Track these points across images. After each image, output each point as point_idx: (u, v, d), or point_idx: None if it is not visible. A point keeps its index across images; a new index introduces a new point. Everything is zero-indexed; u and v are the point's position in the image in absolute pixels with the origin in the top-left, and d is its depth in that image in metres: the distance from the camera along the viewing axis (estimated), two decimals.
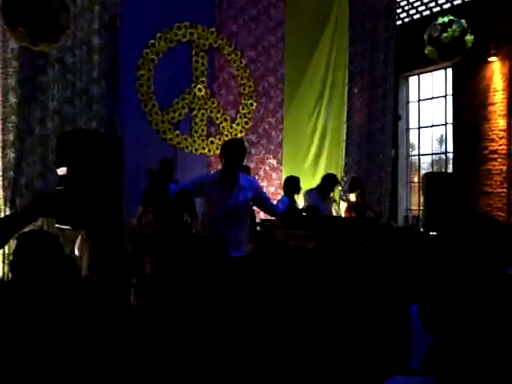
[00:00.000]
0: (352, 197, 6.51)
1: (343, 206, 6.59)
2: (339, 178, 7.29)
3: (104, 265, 3.22)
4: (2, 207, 5.42)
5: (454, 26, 5.42)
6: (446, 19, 5.65)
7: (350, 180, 6.74)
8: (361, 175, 7.71)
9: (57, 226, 4.62)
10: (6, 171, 5.45)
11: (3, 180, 5.43)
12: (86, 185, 4.20)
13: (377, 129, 7.86)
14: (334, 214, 6.37)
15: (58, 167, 4.43)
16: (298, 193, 6.23)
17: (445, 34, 5.40)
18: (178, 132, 6.42)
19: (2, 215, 5.40)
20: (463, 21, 5.91)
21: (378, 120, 7.89)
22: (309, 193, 6.28)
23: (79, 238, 4.83)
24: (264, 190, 4.91)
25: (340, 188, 7.10)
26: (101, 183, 4.27)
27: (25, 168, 5.51)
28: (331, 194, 6.46)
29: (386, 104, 7.92)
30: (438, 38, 5.45)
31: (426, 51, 5.69)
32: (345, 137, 7.66)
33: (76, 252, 5.24)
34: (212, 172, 6.00)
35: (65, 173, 4.30)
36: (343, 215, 6.55)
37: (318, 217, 5.70)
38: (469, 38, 5.48)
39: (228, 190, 4.10)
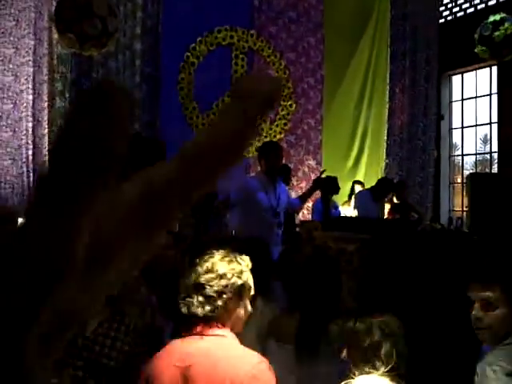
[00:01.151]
0: (395, 198, 6.42)
1: (386, 207, 6.50)
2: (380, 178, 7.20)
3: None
4: None
5: (506, 24, 5.25)
6: (497, 17, 5.47)
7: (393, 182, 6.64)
8: (403, 176, 7.60)
9: None
10: None
11: None
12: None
13: (418, 129, 7.72)
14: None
15: None
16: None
17: (497, 33, 5.24)
18: None
19: None
20: None
21: (419, 120, 7.75)
22: (360, 194, 6.22)
23: None
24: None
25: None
26: None
27: None
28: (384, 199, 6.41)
29: (427, 104, 7.77)
30: (489, 37, 5.29)
31: (477, 50, 5.52)
32: (386, 137, 7.55)
33: None
34: (250, 176, 6.01)
35: None
36: (386, 217, 6.47)
37: (358, 218, 5.65)
38: None
39: (273, 192, 4.15)
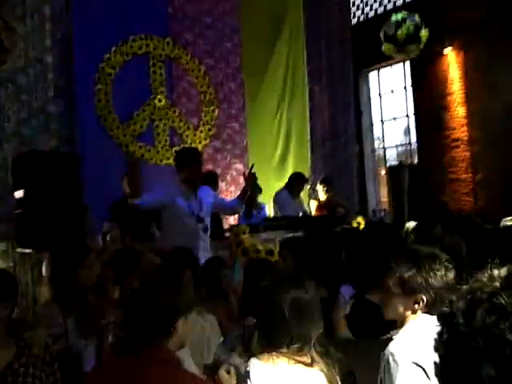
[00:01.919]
0: (321, 195, 6.56)
1: (313, 204, 6.62)
2: (307, 176, 7.33)
3: (64, 284, 3.15)
4: None
5: (407, 22, 5.49)
6: (399, 16, 5.72)
7: (318, 179, 6.78)
8: (328, 172, 7.78)
9: (19, 249, 4.57)
10: None
11: None
12: (44, 206, 4.17)
13: (340, 126, 7.94)
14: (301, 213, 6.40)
15: (15, 190, 4.38)
16: (299, 191, 6.27)
17: (400, 31, 5.48)
18: (140, 144, 6.38)
19: None
20: (417, 16, 5.99)
21: (340, 117, 7.98)
22: (279, 193, 6.30)
23: (46, 258, 4.74)
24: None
25: (308, 187, 7.12)
26: (59, 203, 4.23)
27: None
28: (301, 194, 6.51)
29: (346, 101, 8.01)
30: (393, 36, 5.52)
31: (383, 48, 5.76)
32: (309, 136, 7.71)
33: (44, 273, 5.15)
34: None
35: (22, 196, 4.26)
36: (314, 214, 6.58)
37: (285, 218, 5.73)
38: (424, 32, 5.56)
39: (194, 197, 4.14)
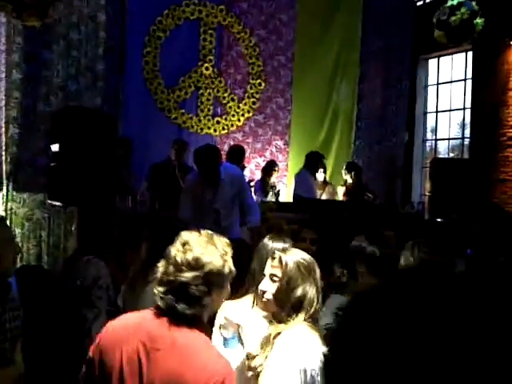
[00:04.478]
0: (348, 180, 6.39)
1: (341, 190, 6.47)
2: (349, 161, 7.14)
3: (90, 242, 3.18)
4: (5, 182, 5.49)
5: (462, 9, 5.16)
6: (454, 2, 5.38)
7: (345, 164, 6.58)
8: (372, 159, 7.54)
9: (49, 201, 4.68)
10: (8, 146, 5.49)
11: (6, 155, 5.48)
12: (77, 162, 4.23)
13: (390, 112, 7.64)
14: (328, 197, 6.27)
15: (52, 143, 4.46)
16: (316, 171, 6.11)
17: (453, 17, 5.15)
18: (183, 111, 6.37)
19: (5, 190, 5.48)
20: (473, 3, 5.62)
21: (392, 103, 7.66)
22: (299, 173, 6.15)
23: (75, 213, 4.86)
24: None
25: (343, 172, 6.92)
26: (92, 161, 4.28)
27: (27, 144, 5.55)
28: (327, 179, 6.39)
29: (401, 87, 7.67)
30: (446, 22, 5.20)
31: (435, 35, 5.45)
32: (356, 119, 7.46)
33: (73, 227, 5.30)
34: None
35: (57, 149, 4.33)
36: (341, 199, 6.43)
37: (313, 201, 5.61)
38: (479, 21, 5.21)
39: (212, 189, 4.01)
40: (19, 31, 5.41)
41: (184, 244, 1.61)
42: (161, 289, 1.59)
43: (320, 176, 6.29)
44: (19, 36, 5.43)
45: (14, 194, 5.44)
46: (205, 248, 1.62)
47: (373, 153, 7.49)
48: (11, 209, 5.37)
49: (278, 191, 6.17)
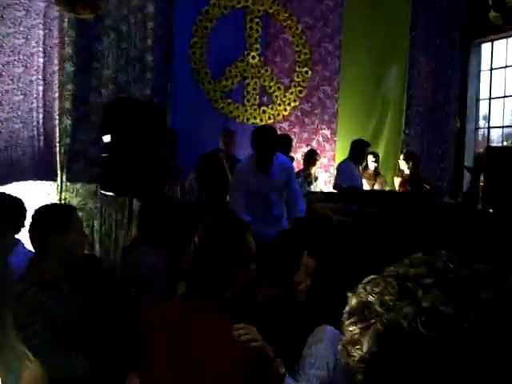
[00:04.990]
0: (406, 170, 6.22)
1: (397, 180, 6.32)
2: (400, 150, 6.98)
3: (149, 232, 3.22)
4: (59, 173, 5.66)
5: None
6: None
7: (403, 153, 6.42)
8: (423, 148, 7.34)
9: (101, 191, 4.80)
10: (62, 138, 5.66)
11: (60, 146, 5.64)
12: (128, 153, 4.30)
13: (442, 99, 7.40)
14: (379, 188, 6.15)
15: (104, 134, 4.56)
16: (362, 160, 6.00)
17: None
18: (230, 101, 6.38)
19: (59, 180, 5.65)
20: None
21: (443, 90, 7.42)
22: (343, 163, 6.02)
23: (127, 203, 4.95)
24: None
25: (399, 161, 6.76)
26: (143, 152, 4.35)
27: (80, 135, 5.70)
28: (378, 169, 6.26)
29: (453, 73, 7.41)
30: (502, 2, 4.98)
31: (490, 16, 5.23)
32: (406, 107, 7.26)
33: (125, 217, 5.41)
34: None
35: (109, 140, 4.42)
36: (397, 189, 6.30)
37: (365, 191, 5.52)
38: None
39: (264, 175, 3.93)
40: (71, 24, 5.54)
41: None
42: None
43: (371, 165, 6.18)
44: (71, 29, 5.56)
45: (68, 184, 5.60)
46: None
47: (423, 141, 7.29)
48: (65, 199, 5.55)
49: (316, 178, 6.11)
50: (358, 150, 5.91)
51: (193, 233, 2.76)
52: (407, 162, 6.11)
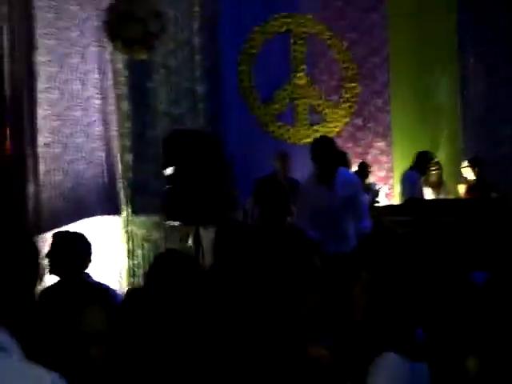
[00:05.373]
0: (471, 176, 6.04)
1: (462, 187, 6.13)
2: (459, 157, 6.79)
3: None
4: (124, 207, 5.87)
5: None
6: None
7: (467, 160, 6.23)
8: (483, 152, 7.09)
9: (167, 222, 4.92)
10: (125, 173, 5.88)
11: (123, 181, 5.87)
12: (192, 182, 4.42)
13: (499, 100, 7.14)
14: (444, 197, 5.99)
15: (165, 168, 4.70)
16: (425, 171, 5.93)
17: None
18: (280, 124, 6.44)
19: (124, 214, 5.86)
20: None
21: (499, 90, 7.16)
22: (408, 173, 5.94)
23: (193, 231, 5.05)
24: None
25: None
26: (205, 180, 4.46)
27: (141, 169, 5.91)
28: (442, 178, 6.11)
29: (508, 71, 7.16)
30: None
31: None
32: (460, 112, 7.07)
33: (190, 242, 5.51)
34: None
35: (172, 172, 4.56)
36: (463, 197, 6.11)
37: (431, 201, 5.39)
38: None
39: (327, 190, 3.83)
40: (125, 65, 5.80)
41: None
42: None
43: (433, 176, 6.06)
44: (124, 69, 5.82)
45: (133, 216, 5.79)
46: None
47: (483, 146, 7.04)
48: (131, 231, 5.73)
49: (378, 190, 6.01)
50: (423, 161, 5.86)
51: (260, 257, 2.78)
52: (473, 168, 5.95)
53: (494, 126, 7.11)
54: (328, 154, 3.63)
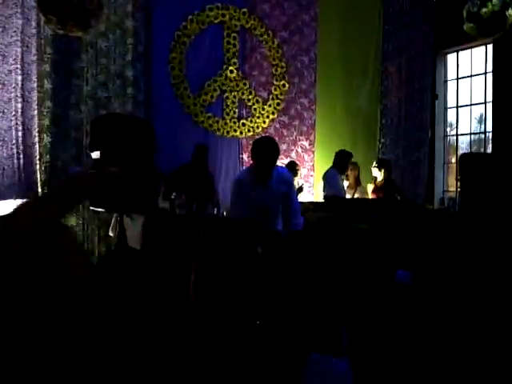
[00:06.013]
0: (379, 177, 6.42)
1: (370, 187, 6.49)
2: (375, 158, 7.16)
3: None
4: (40, 190, 5.57)
5: (494, 0, 5.17)
6: None
7: (376, 160, 6.59)
8: (398, 156, 7.57)
9: (91, 208, 4.76)
10: (42, 155, 5.58)
11: (40, 164, 5.56)
12: (120, 168, 4.31)
13: (414, 108, 7.66)
14: (359, 196, 6.32)
15: (92, 151, 4.54)
16: (345, 170, 6.16)
17: (484, 9, 5.17)
18: (209, 114, 6.43)
19: None
20: None
21: (415, 99, 7.68)
22: (328, 172, 6.19)
23: (113, 219, 4.93)
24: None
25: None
26: (133, 167, 4.36)
27: (60, 152, 5.64)
28: (359, 178, 6.44)
29: (424, 82, 7.69)
30: (477, 14, 5.22)
31: (465, 28, 5.47)
32: (380, 117, 7.50)
33: (110, 233, 5.37)
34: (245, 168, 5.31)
35: (98, 156, 4.41)
36: (370, 196, 6.46)
37: (351, 200, 5.65)
38: (511, 12, 5.23)
39: (263, 188, 3.83)
40: (48, 41, 5.49)
41: None
42: None
43: (351, 175, 6.33)
44: (49, 46, 5.52)
45: None
46: None
47: (398, 150, 7.52)
48: None
49: (302, 187, 6.20)
50: (342, 161, 6.05)
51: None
52: (380, 169, 6.30)
53: (408, 133, 7.61)
54: (268, 157, 3.68)
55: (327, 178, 6.14)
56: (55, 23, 3.49)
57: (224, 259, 1.90)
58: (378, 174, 6.37)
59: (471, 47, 8.05)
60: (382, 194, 6.29)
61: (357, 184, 6.54)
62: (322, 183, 6.30)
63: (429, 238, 3.00)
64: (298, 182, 6.30)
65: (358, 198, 6.21)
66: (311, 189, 6.98)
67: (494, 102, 7.77)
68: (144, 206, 4.38)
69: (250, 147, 3.91)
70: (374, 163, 6.51)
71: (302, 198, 6.21)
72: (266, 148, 3.64)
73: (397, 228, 3.42)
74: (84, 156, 5.62)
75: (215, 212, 5.02)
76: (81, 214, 5.70)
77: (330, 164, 6.40)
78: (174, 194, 5.44)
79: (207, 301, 1.78)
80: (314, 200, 6.66)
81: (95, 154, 4.72)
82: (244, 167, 6.56)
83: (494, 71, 7.73)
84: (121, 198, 4.42)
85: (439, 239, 2.94)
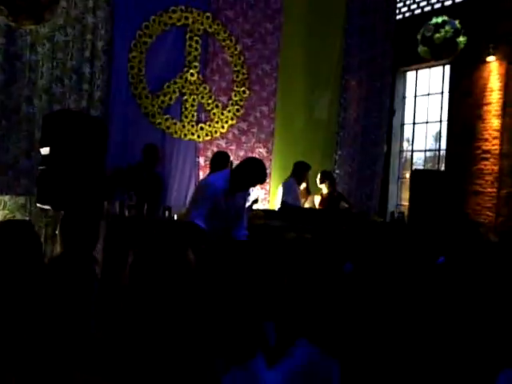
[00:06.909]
0: (324, 189, 6.55)
1: (317, 199, 6.61)
2: (331, 170, 7.25)
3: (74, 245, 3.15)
4: None
5: (446, 27, 5.40)
6: (439, 19, 5.64)
7: (319, 173, 6.70)
8: (354, 169, 7.69)
9: (38, 205, 4.63)
10: None
11: None
12: (68, 166, 4.21)
13: (372, 123, 7.80)
14: (310, 206, 6.43)
15: (42, 147, 4.42)
16: (302, 180, 6.28)
17: (437, 35, 5.39)
18: (167, 116, 6.37)
19: None
20: (457, 22, 5.90)
21: (373, 114, 7.83)
22: (286, 182, 6.29)
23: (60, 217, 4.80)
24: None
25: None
26: (83, 165, 4.27)
27: (10, 146, 5.47)
28: (309, 188, 6.54)
29: (382, 98, 7.85)
30: (430, 38, 5.42)
31: (419, 50, 5.67)
32: (338, 129, 7.60)
33: (57, 232, 5.22)
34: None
35: (48, 153, 4.30)
36: (317, 207, 6.57)
37: (297, 210, 5.71)
38: (461, 39, 5.46)
39: (232, 198, 3.96)
40: (2, 32, 5.34)
41: None
42: None
43: (303, 185, 6.43)
44: (2, 37, 5.36)
45: None
46: None
47: (354, 163, 7.63)
48: None
49: (257, 199, 6.22)
50: (301, 171, 6.20)
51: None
52: (322, 182, 6.45)
53: (365, 146, 7.75)
54: (246, 175, 3.85)
55: (286, 186, 6.22)
56: (6, 14, 3.38)
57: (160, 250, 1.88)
58: (323, 186, 6.52)
59: (430, 67, 8.29)
60: (326, 204, 6.43)
61: (308, 193, 6.64)
62: (279, 191, 6.35)
63: (369, 243, 3.07)
64: (255, 192, 6.31)
65: (310, 208, 6.29)
66: (267, 196, 7.00)
67: (449, 120, 8.01)
68: (91, 204, 4.30)
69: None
70: (318, 176, 6.61)
71: (257, 205, 6.23)
72: (262, 172, 3.80)
73: (338, 237, 3.47)
74: (35, 151, 5.47)
75: (166, 215, 4.97)
76: (27, 210, 5.54)
77: (288, 172, 6.46)
78: (125, 194, 5.35)
79: (140, 287, 1.75)
80: (270, 208, 6.69)
81: (45, 150, 4.60)
82: (199, 171, 6.53)
83: (450, 91, 7.98)
84: (67, 196, 4.32)
85: (378, 244, 3.01)
